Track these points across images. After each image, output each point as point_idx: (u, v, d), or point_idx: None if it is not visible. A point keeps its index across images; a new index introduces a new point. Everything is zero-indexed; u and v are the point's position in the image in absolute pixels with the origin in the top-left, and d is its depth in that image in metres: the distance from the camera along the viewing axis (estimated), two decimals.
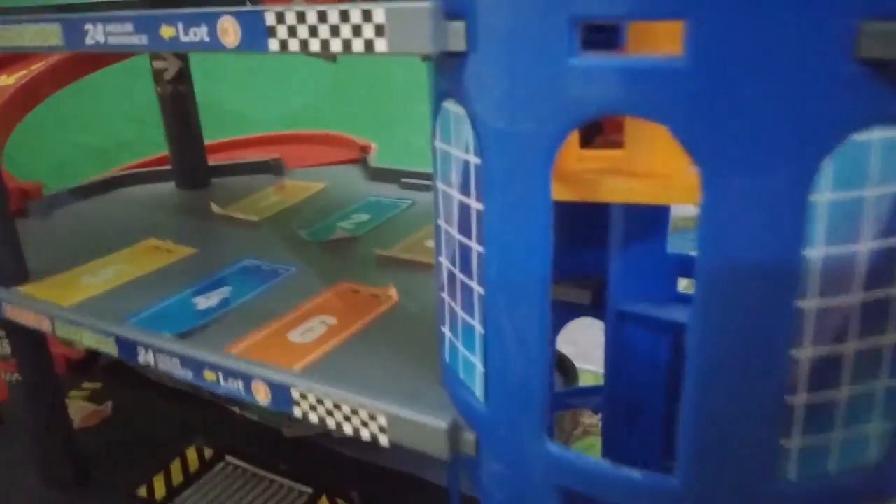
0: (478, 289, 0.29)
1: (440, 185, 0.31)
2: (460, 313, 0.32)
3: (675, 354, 0.42)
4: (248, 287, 0.50)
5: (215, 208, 0.67)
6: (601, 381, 0.44)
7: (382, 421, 0.34)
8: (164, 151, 0.76)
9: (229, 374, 0.38)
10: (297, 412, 0.37)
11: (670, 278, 0.41)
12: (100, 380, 0.75)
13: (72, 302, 0.49)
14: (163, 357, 0.41)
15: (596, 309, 0.47)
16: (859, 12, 0.20)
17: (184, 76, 0.71)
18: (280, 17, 0.28)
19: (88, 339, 0.44)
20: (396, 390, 0.36)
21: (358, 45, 0.27)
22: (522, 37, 0.24)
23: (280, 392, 0.37)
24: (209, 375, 0.39)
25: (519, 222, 0.26)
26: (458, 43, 0.25)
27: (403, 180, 0.72)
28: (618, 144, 0.29)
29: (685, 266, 0.40)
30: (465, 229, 0.29)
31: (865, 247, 0.23)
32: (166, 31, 0.31)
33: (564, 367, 0.75)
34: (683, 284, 0.42)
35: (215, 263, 0.55)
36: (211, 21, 0.29)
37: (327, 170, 0.80)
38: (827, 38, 0.21)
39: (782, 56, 0.21)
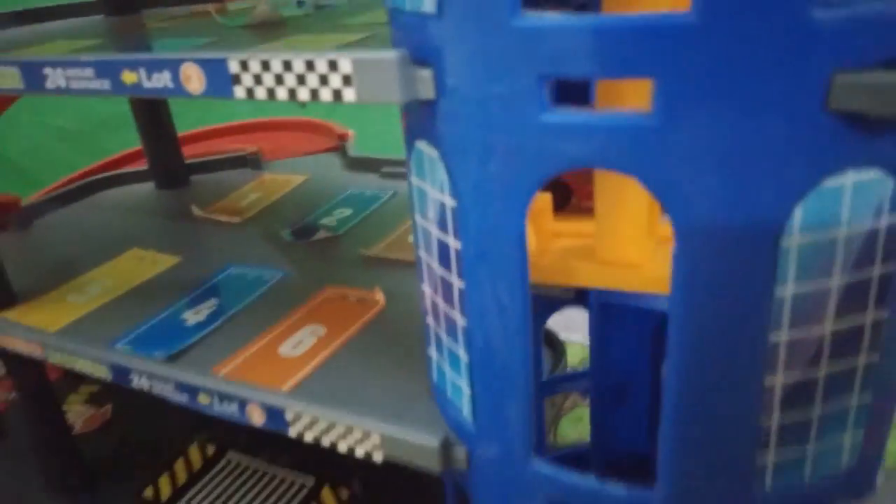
0: (461, 321, 0.30)
1: (419, 220, 0.31)
2: (445, 340, 0.32)
3: (656, 340, 0.44)
4: (236, 298, 0.51)
5: (196, 211, 0.66)
6: (587, 354, 0.45)
7: (376, 440, 0.35)
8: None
9: (224, 397, 0.39)
10: (293, 433, 0.38)
11: None
12: (96, 382, 0.76)
13: (61, 325, 0.49)
14: (157, 382, 0.41)
15: (579, 301, 0.48)
16: (830, 66, 0.20)
17: None
18: (244, 65, 0.28)
19: (83, 366, 0.44)
20: (388, 406, 0.37)
21: (326, 94, 0.27)
22: (492, 90, 0.24)
23: (274, 414, 0.38)
24: (203, 399, 0.40)
25: (496, 263, 0.27)
26: (426, 91, 0.25)
27: (384, 170, 0.72)
28: (588, 211, 0.30)
29: None
30: (444, 263, 0.30)
31: (835, 283, 0.24)
32: (128, 77, 0.30)
33: (552, 343, 0.77)
34: None
35: (200, 273, 0.55)
36: (173, 67, 0.29)
37: (306, 160, 0.80)
38: (798, 91, 0.21)
39: (752, 110, 0.21)
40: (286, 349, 0.44)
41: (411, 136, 0.29)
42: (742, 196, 0.22)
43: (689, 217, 0.23)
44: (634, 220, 0.28)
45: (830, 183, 0.23)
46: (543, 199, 0.33)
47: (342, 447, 0.36)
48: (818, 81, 0.21)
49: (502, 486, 0.32)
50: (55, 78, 0.32)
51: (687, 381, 0.25)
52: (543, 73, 0.22)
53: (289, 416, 0.37)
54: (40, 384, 0.57)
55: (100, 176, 0.74)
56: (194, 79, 0.29)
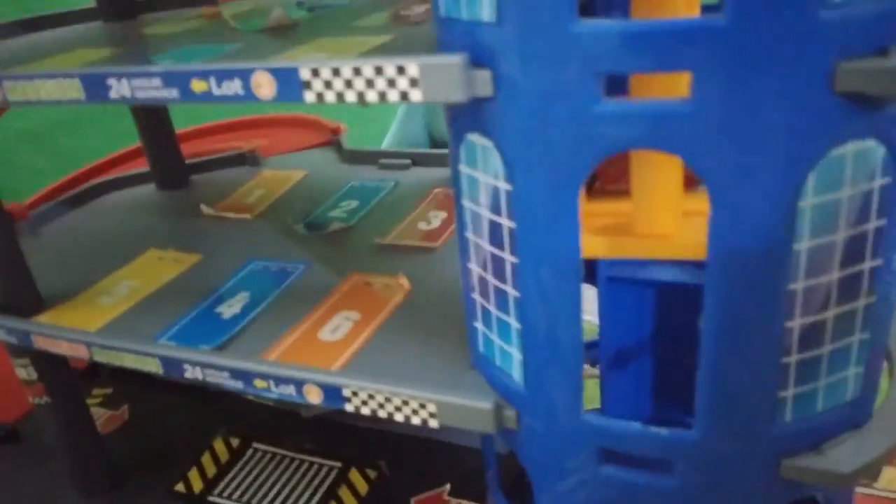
0: (513, 292, 0.34)
1: (467, 204, 0.35)
2: (494, 311, 0.36)
3: (660, 308, 0.48)
4: (264, 291, 0.54)
5: (205, 209, 0.68)
6: (595, 329, 0.50)
7: (432, 408, 0.38)
8: (101, 128, 0.75)
9: (280, 380, 0.42)
10: (350, 408, 0.41)
11: None
12: (109, 385, 0.77)
13: (98, 325, 0.51)
14: (211, 371, 0.44)
15: (588, 278, 0.52)
16: (834, 56, 0.25)
17: None
18: (315, 72, 0.31)
19: (131, 361, 0.47)
20: (438, 377, 0.40)
21: (393, 96, 0.30)
22: (548, 87, 0.27)
23: (332, 392, 0.41)
24: (260, 384, 0.43)
25: (550, 239, 0.30)
26: (485, 90, 0.29)
27: (382, 161, 0.75)
28: (612, 194, 0.34)
29: None
30: (496, 242, 0.33)
31: (840, 236, 0.28)
32: (197, 86, 0.33)
33: None
34: None
35: (224, 269, 0.57)
36: (244, 76, 0.32)
37: (302, 156, 0.82)
38: (809, 78, 0.25)
39: (772, 95, 0.25)
40: (325, 334, 0.47)
41: (461, 129, 0.33)
42: (766, 167, 0.26)
43: (723, 186, 0.27)
44: (668, 197, 0.32)
45: (836, 152, 0.27)
46: None
47: (398, 417, 0.40)
48: (825, 68, 0.25)
49: (554, 439, 0.36)
50: (119, 88, 0.35)
51: (722, 330, 0.30)
52: (598, 70, 0.26)
53: (346, 392, 0.40)
54: (71, 387, 0.59)
55: (101, 180, 0.75)
56: (265, 86, 0.32)
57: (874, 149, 0.28)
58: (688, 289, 0.47)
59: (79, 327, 0.51)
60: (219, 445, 0.67)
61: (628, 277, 0.48)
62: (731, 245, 0.28)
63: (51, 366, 0.56)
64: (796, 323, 0.30)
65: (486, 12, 0.28)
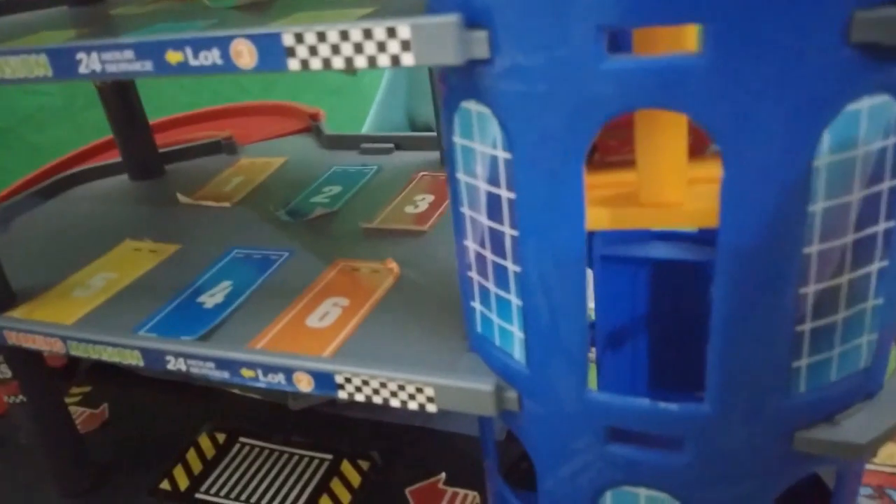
0: (513, 267, 0.32)
1: (462, 177, 0.33)
2: (493, 289, 0.34)
3: (656, 287, 0.47)
4: (248, 279, 0.51)
5: (182, 198, 0.66)
6: (592, 316, 0.49)
7: (430, 392, 0.37)
8: (71, 122, 0.73)
9: (268, 369, 0.40)
10: (342, 395, 0.39)
11: None
12: (87, 383, 0.74)
13: (74, 318, 0.49)
14: (195, 362, 0.42)
15: None
16: (852, 4, 0.23)
17: None
18: (299, 38, 0.29)
19: (110, 355, 0.44)
20: (433, 360, 0.39)
21: (384, 60, 0.28)
22: (549, 45, 0.26)
23: (323, 379, 0.39)
24: (247, 373, 0.41)
25: (554, 208, 0.29)
26: (481, 51, 0.27)
27: (364, 146, 0.73)
28: (611, 166, 0.32)
29: None
30: (494, 216, 0.32)
31: (855, 197, 0.27)
32: (172, 57, 0.31)
33: None
34: None
35: (204, 258, 0.55)
36: (223, 44, 0.30)
37: (280, 142, 0.80)
38: (825, 28, 0.24)
39: (786, 46, 0.24)
40: (313, 321, 0.45)
41: (455, 97, 0.31)
42: (780, 124, 0.25)
43: (737, 146, 0.26)
44: (674, 164, 0.31)
45: (851, 108, 0.26)
46: None
47: (394, 403, 0.38)
48: (841, 18, 0.24)
49: (559, 419, 0.34)
50: (89, 62, 0.32)
51: (734, 299, 0.28)
52: (602, 24, 0.25)
53: (339, 379, 0.39)
54: (47, 384, 0.56)
55: (72, 171, 0.72)
56: (245, 54, 0.30)
57: (888, 104, 0.27)
58: (684, 266, 0.46)
59: (54, 321, 0.48)
60: (204, 441, 0.65)
61: (622, 256, 0.47)
62: (745, 208, 0.26)
63: (25, 363, 0.53)
64: (811, 289, 0.29)
65: None
